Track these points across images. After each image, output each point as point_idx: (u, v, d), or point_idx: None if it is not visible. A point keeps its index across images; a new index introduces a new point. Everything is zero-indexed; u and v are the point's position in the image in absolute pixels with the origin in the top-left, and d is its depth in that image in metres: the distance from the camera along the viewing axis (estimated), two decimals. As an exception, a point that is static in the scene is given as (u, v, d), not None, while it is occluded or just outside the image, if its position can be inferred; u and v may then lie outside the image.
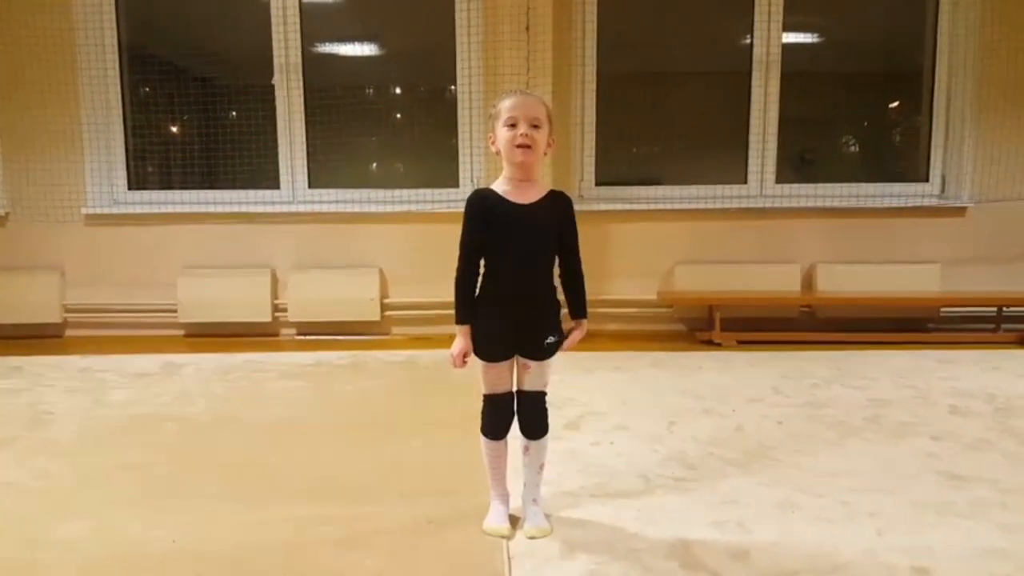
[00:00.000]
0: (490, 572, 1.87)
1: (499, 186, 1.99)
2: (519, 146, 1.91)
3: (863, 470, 2.56)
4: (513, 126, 1.92)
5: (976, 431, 2.98)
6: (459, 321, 2.01)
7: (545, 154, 1.98)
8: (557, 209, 2.00)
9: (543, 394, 2.09)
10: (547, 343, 2.00)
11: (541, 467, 2.14)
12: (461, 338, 2.01)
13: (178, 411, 3.33)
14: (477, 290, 2.01)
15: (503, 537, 2.04)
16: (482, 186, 4.84)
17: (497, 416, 2.08)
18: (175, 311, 5.06)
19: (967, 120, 5.12)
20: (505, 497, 2.16)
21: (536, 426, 2.09)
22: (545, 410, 2.10)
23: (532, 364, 2.03)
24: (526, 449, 2.11)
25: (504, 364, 2.04)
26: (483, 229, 1.96)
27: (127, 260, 5.14)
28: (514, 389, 2.08)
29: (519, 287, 1.98)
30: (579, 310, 2.10)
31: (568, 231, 2.02)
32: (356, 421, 3.19)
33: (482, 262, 2.00)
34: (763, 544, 2.00)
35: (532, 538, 2.04)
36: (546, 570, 1.87)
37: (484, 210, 1.96)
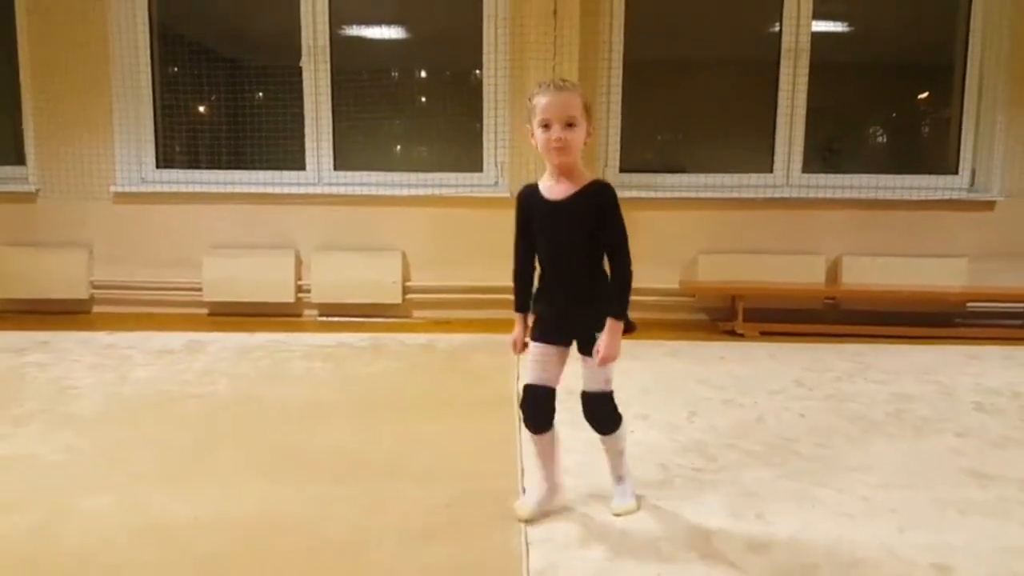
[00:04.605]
0: (507, 557, 1.88)
1: (543, 180, 2.01)
2: (554, 148, 1.90)
3: (885, 465, 2.53)
4: (547, 126, 1.90)
5: (1001, 428, 2.94)
6: (515, 309, 2.10)
7: (585, 144, 1.95)
8: (591, 203, 1.92)
9: (603, 395, 2.02)
10: (596, 336, 1.94)
11: (620, 452, 2.13)
12: (516, 325, 2.09)
13: (201, 389, 3.37)
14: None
15: (519, 519, 2.03)
16: (505, 166, 4.91)
17: (530, 408, 2.04)
18: (200, 290, 5.12)
19: (999, 112, 5.02)
20: (544, 487, 2.10)
21: (599, 425, 2.06)
22: (607, 411, 2.04)
23: (587, 359, 1.99)
24: (602, 440, 2.11)
25: (550, 350, 2.01)
26: (526, 225, 2.03)
27: (154, 238, 5.20)
28: (557, 385, 2.04)
29: (559, 281, 2.00)
30: (608, 307, 1.93)
31: (604, 226, 1.92)
32: (376, 403, 3.21)
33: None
34: (782, 537, 1.99)
35: (617, 515, 2.07)
36: (564, 556, 1.87)
37: (524, 207, 2.03)
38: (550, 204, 1.96)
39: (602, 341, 1.92)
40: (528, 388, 2.04)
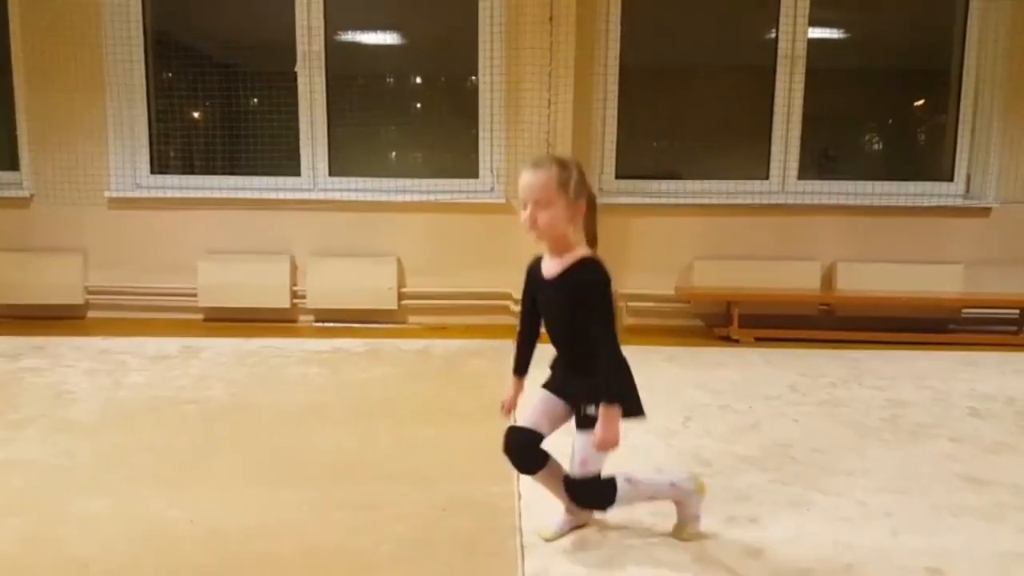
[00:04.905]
0: (503, 561, 1.88)
1: (544, 255, 1.98)
2: (528, 228, 1.90)
3: (880, 470, 2.54)
4: (526, 206, 1.88)
5: (996, 434, 2.95)
6: (512, 370, 2.08)
7: (574, 221, 1.89)
8: (574, 284, 1.87)
9: (584, 481, 1.88)
10: (584, 414, 1.87)
11: (648, 498, 1.99)
12: (510, 386, 2.06)
13: (197, 394, 3.36)
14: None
15: (543, 539, 1.99)
16: (500, 172, 4.92)
17: (513, 454, 1.96)
18: (195, 295, 5.10)
19: (994, 119, 5.04)
20: (564, 511, 2.05)
21: (589, 508, 1.96)
22: (592, 495, 1.91)
23: (579, 435, 1.89)
24: None
25: (553, 400, 1.96)
26: (529, 296, 2.03)
27: (149, 243, 5.19)
28: (536, 430, 1.95)
29: (560, 353, 1.98)
30: (601, 391, 1.84)
31: (585, 307, 1.84)
32: (372, 408, 3.21)
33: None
34: (777, 541, 2.00)
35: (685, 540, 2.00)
36: (558, 561, 1.88)
37: (529, 280, 2.02)
38: (544, 281, 1.94)
39: (599, 426, 1.82)
40: (510, 430, 1.97)
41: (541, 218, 1.85)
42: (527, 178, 1.88)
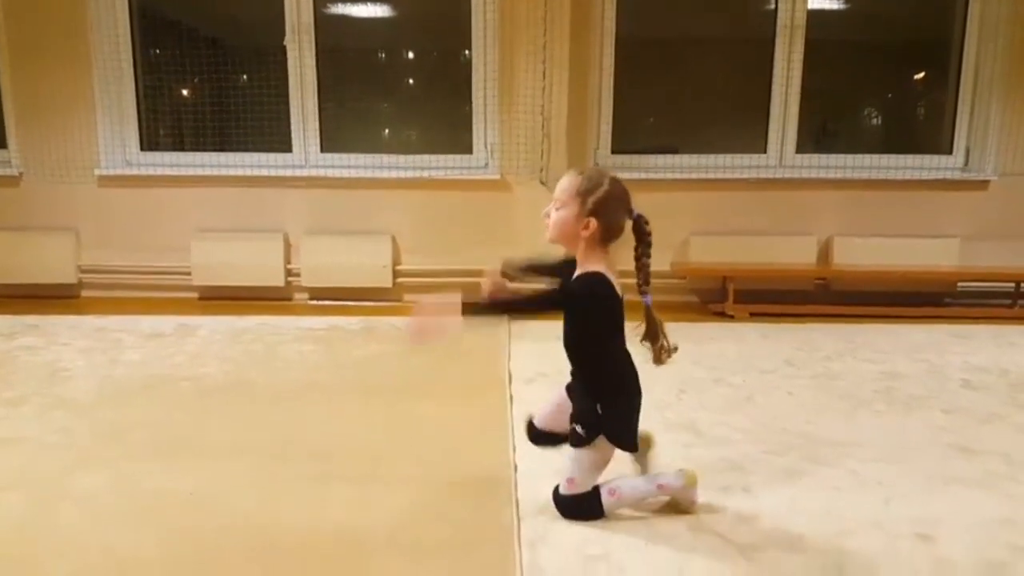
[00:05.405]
0: (500, 532, 1.89)
1: None
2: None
3: (873, 441, 2.55)
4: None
5: (988, 405, 2.97)
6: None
7: (583, 235, 1.88)
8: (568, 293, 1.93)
9: (567, 498, 1.93)
10: (572, 426, 1.92)
11: (637, 502, 2.01)
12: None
13: (192, 372, 3.36)
14: None
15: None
16: (494, 148, 4.92)
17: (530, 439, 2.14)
18: (189, 273, 5.09)
19: (994, 92, 5.01)
20: None
21: (572, 519, 1.94)
22: (574, 508, 1.92)
23: (568, 449, 1.95)
24: None
25: (565, 401, 2.04)
26: None
27: (141, 221, 5.16)
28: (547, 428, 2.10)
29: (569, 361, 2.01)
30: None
31: (571, 315, 1.94)
32: (368, 385, 3.21)
33: None
34: (770, 510, 2.01)
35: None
36: (554, 531, 1.88)
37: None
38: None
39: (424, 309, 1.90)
40: (528, 421, 2.15)
41: (552, 216, 1.92)
42: (560, 180, 1.93)
